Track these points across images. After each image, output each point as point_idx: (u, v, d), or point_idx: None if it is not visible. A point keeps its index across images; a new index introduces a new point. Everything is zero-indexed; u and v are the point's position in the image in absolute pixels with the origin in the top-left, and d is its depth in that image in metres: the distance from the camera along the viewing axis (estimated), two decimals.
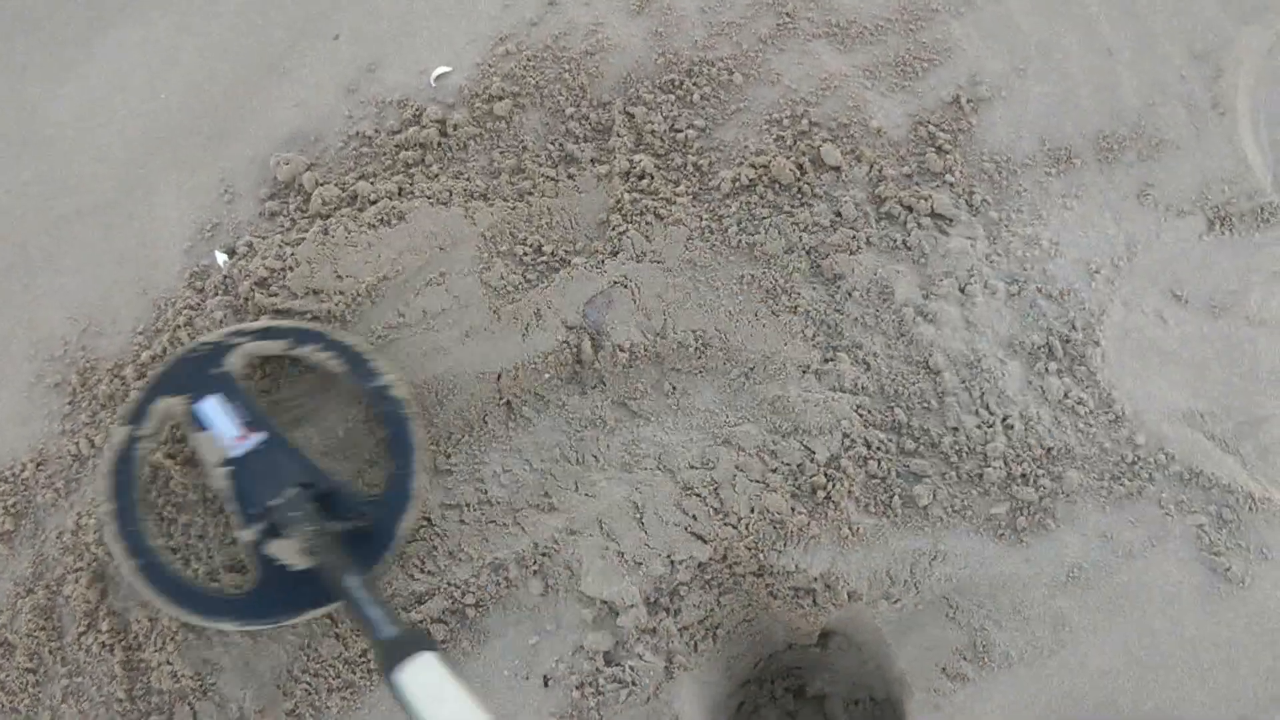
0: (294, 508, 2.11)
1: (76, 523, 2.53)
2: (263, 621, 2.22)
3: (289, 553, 2.11)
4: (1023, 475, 2.40)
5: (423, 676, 1.78)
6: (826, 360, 2.52)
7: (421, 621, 2.30)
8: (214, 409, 2.28)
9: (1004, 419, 2.45)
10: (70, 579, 2.48)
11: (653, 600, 2.29)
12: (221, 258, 2.79)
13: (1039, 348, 2.53)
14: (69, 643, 2.45)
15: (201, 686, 2.35)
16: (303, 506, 2.12)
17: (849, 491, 2.39)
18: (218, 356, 2.34)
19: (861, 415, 2.46)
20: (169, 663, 2.35)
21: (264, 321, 2.46)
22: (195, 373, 2.33)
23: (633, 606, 2.27)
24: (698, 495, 2.35)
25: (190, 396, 2.31)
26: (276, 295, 2.62)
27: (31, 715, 2.42)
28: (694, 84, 2.89)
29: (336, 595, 2.05)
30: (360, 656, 2.30)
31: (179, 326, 2.69)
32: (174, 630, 2.36)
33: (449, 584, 2.34)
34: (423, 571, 2.35)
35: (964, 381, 2.48)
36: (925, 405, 2.47)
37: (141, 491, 2.37)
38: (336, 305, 2.56)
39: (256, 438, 2.25)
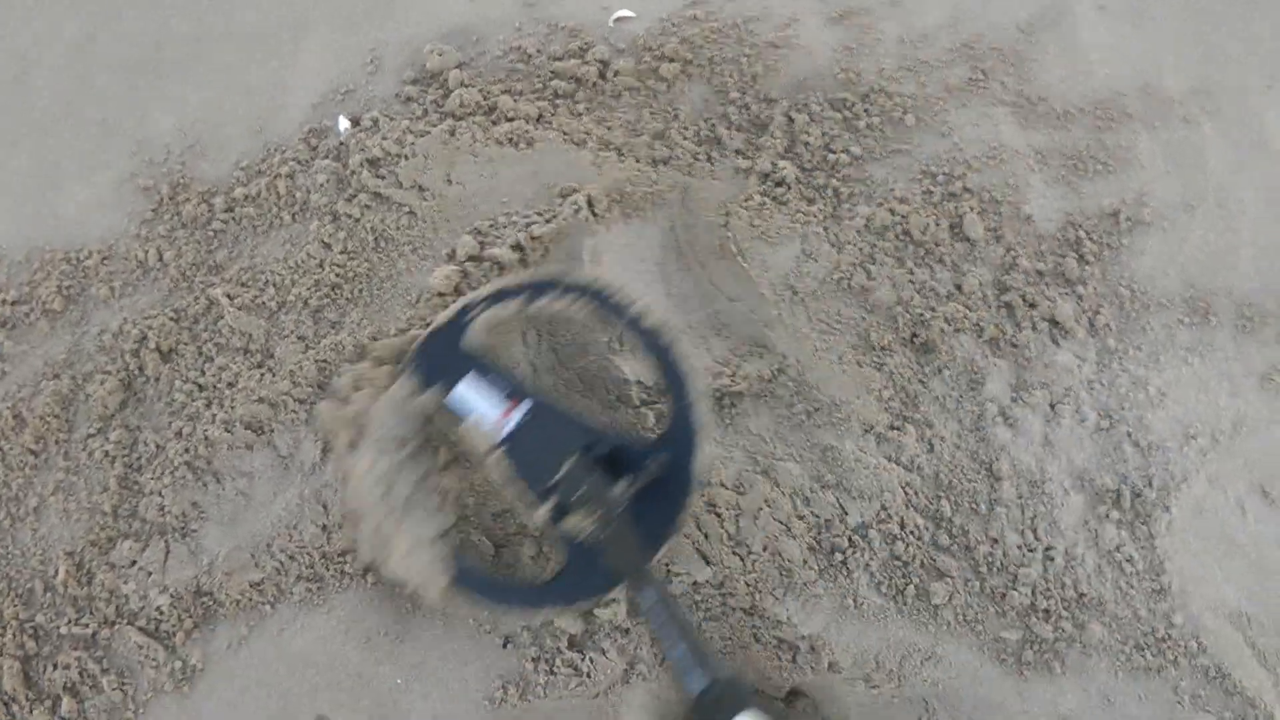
0: (577, 479, 1.97)
1: (120, 327, 2.61)
2: (588, 600, 2.11)
3: (584, 528, 1.98)
4: (1046, 610, 2.35)
5: None
6: (893, 428, 2.48)
7: None
8: (469, 392, 2.15)
9: (1047, 549, 2.40)
10: (98, 378, 2.55)
11: (636, 601, 2.29)
12: (344, 124, 2.83)
13: (1108, 491, 2.47)
14: (76, 439, 2.52)
15: (184, 528, 2.40)
16: (586, 476, 1.97)
17: (866, 564, 2.37)
18: (454, 337, 2.20)
19: (907, 494, 2.43)
20: (161, 494, 2.41)
21: (491, 286, 2.26)
22: (437, 361, 2.20)
23: (615, 601, 2.27)
24: (717, 515, 2.34)
25: (441, 387, 2.17)
26: (383, 179, 2.67)
27: (20, 495, 2.49)
28: (865, 109, 2.86)
29: (634, 601, 1.90)
30: (339, 556, 2.35)
31: (280, 176, 2.76)
32: (176, 465, 2.43)
33: (462, 518, 2.37)
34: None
35: (1021, 497, 2.44)
36: (974, 507, 2.43)
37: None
38: (432, 207, 2.62)
39: (522, 408, 2.10)
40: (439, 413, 2.19)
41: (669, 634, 1.72)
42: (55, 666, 2.34)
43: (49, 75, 3.00)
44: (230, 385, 2.50)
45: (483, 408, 2.12)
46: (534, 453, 2.06)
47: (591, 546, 2.00)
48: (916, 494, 2.43)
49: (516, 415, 2.09)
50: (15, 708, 2.32)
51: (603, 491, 1.94)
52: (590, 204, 2.55)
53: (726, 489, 2.38)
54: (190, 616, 2.35)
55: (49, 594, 2.40)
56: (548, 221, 2.52)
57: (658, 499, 2.06)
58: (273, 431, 2.42)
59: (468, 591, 2.10)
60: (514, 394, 2.11)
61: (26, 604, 2.41)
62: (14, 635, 2.36)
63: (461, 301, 2.29)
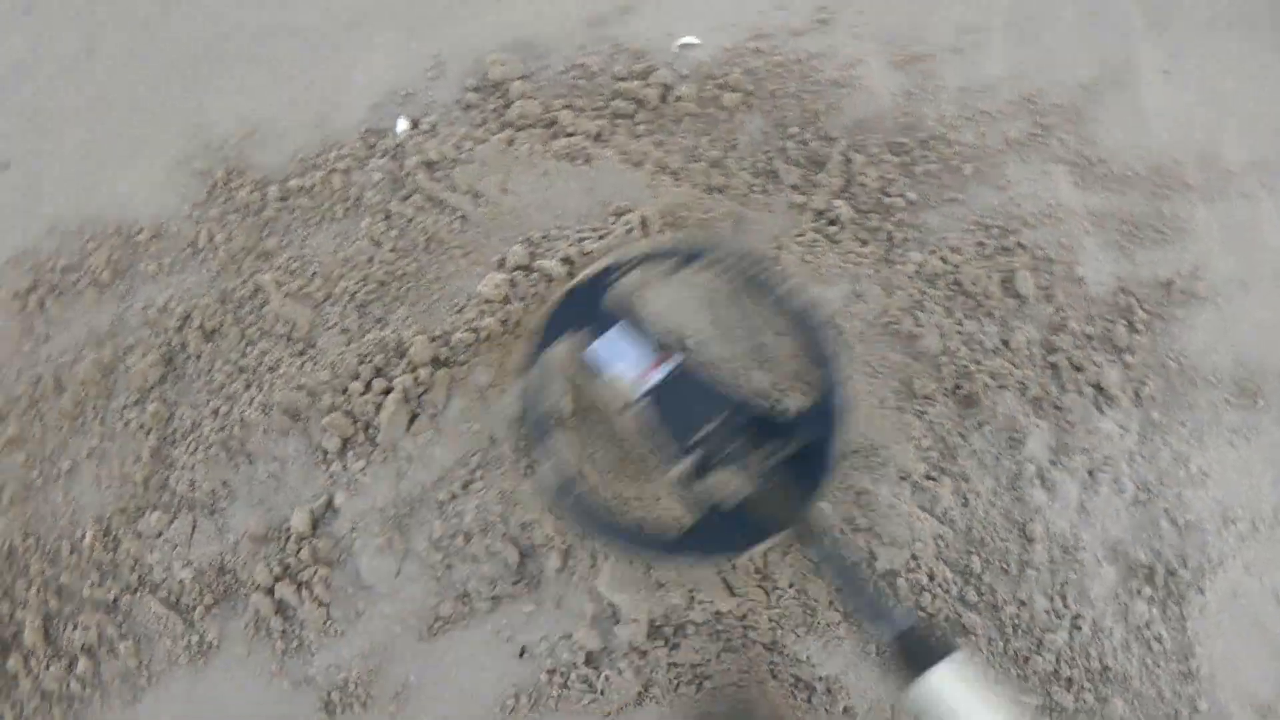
0: (722, 439, 1.99)
1: (166, 303, 2.69)
2: (711, 559, 2.15)
3: (725, 488, 2.01)
4: (1069, 680, 2.35)
5: (953, 687, 1.55)
6: (929, 477, 2.50)
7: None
8: (616, 342, 2.18)
9: (1075, 617, 2.41)
10: (139, 351, 2.62)
11: (657, 625, 2.30)
12: (403, 125, 2.92)
13: (1141, 566, 2.48)
14: (114, 408, 2.58)
15: (212, 505, 2.45)
16: (732, 437, 2.00)
17: None
18: (603, 288, 2.26)
19: (938, 546, 2.43)
20: (193, 470, 2.47)
21: (645, 245, 2.31)
22: (584, 309, 2.24)
23: (635, 622, 2.28)
24: None
25: (588, 333, 2.21)
26: (438, 182, 2.76)
27: (55, 456, 2.55)
28: (923, 155, 2.91)
29: (803, 544, 1.94)
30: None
31: (335, 170, 2.85)
32: (210, 442, 2.49)
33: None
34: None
35: (1053, 562, 2.46)
36: (1004, 566, 2.44)
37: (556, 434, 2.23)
38: (485, 213, 2.71)
39: (668, 364, 2.14)
40: (578, 363, 2.22)
41: (851, 580, 1.81)
42: (75, 627, 2.39)
43: (114, 55, 3.10)
44: (271, 370, 2.56)
45: (630, 359, 2.17)
46: (679, 408, 2.11)
47: (730, 506, 2.04)
48: (948, 547, 2.44)
49: (665, 368, 2.14)
50: (33, 662, 2.36)
51: (747, 454, 1.98)
52: (644, 225, 2.60)
53: None
54: (211, 593, 2.40)
55: (75, 555, 2.45)
56: (600, 238, 2.58)
57: (797, 472, 2.09)
58: (308, 420, 2.47)
59: (603, 534, 2.18)
60: (662, 349, 2.17)
61: (53, 562, 2.46)
62: (38, 591, 2.41)
63: (610, 258, 2.34)
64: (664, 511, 2.24)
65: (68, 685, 2.36)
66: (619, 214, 2.64)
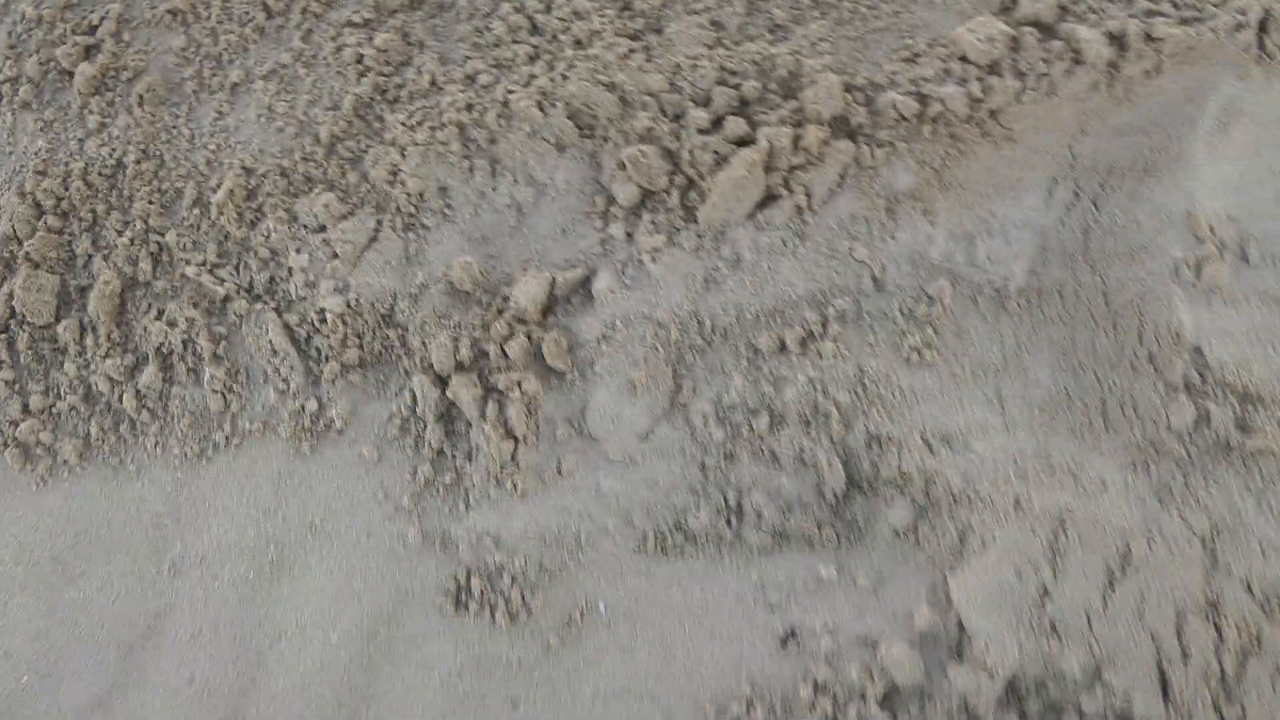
0: None
1: None
2: None
3: None
4: None
5: None
6: None
7: None
8: None
9: None
10: None
11: (1022, 692, 1.51)
12: None
13: None
14: (329, 23, 1.91)
15: (413, 216, 1.71)
16: None
17: None
18: None
19: None
20: (404, 151, 1.72)
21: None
22: None
23: (992, 673, 1.50)
24: (1217, 629, 1.48)
25: None
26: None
27: (223, 60, 1.90)
28: None
29: None
30: None
31: None
32: (443, 120, 1.73)
33: None
34: None
35: None
36: None
37: None
38: None
39: None
40: None
41: None
42: (160, 315, 1.74)
43: None
44: (578, 44, 1.70)
45: None
46: None
47: None
48: None
49: None
50: (90, 340, 1.74)
51: None
52: (1263, 28, 1.63)
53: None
54: (359, 346, 1.67)
55: (197, 211, 1.78)
56: (1182, 21, 1.60)
57: None
58: (605, 141, 1.61)
59: None
60: None
61: (166, 209, 1.81)
62: (132, 241, 1.77)
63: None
64: None
65: (120, 394, 1.67)
66: None
